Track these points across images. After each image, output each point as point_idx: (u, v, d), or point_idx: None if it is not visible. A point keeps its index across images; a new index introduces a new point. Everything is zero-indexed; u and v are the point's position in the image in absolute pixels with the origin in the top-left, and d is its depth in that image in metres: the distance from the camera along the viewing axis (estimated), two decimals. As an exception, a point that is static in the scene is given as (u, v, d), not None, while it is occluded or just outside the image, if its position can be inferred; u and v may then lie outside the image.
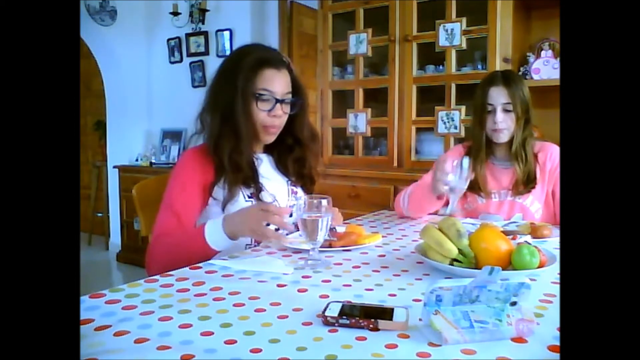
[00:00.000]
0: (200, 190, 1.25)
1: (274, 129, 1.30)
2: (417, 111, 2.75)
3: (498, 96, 1.54)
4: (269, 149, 1.39)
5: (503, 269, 0.82)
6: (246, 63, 1.26)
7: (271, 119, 1.27)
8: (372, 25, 2.86)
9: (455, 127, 2.60)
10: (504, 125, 1.55)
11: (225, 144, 1.23)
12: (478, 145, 1.60)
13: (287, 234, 1.34)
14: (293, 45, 3.54)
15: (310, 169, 1.40)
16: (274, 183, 1.34)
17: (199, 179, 1.25)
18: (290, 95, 1.31)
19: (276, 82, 1.27)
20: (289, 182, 1.39)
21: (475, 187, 1.58)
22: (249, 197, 1.27)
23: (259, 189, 1.28)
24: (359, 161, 2.95)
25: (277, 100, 1.27)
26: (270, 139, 1.32)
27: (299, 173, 1.40)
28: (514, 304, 0.68)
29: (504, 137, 1.56)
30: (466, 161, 1.31)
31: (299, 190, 1.41)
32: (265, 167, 1.36)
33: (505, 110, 1.54)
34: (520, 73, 2.52)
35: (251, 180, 1.27)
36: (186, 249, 1.14)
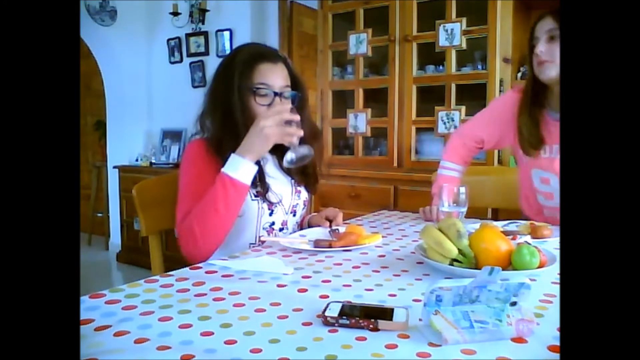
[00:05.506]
0: (214, 178, 1.20)
1: None
2: (417, 111, 2.76)
3: (543, 25, 1.35)
4: (272, 149, 1.38)
5: (503, 269, 0.82)
6: (240, 59, 1.25)
7: None
8: (372, 25, 2.87)
9: (455, 127, 2.59)
10: (547, 56, 1.34)
11: (227, 144, 1.21)
12: (525, 91, 1.45)
13: (289, 233, 1.34)
14: (293, 45, 3.54)
15: (314, 167, 1.38)
16: (279, 183, 1.33)
17: (210, 167, 1.22)
18: (289, 89, 1.29)
19: (273, 76, 1.26)
20: (293, 181, 1.38)
21: (522, 142, 1.45)
22: (255, 196, 1.26)
23: (265, 188, 1.27)
24: (359, 161, 2.95)
25: (276, 94, 1.25)
26: None
27: (303, 172, 1.37)
28: (514, 304, 0.68)
29: (548, 72, 1.35)
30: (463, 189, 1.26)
31: (303, 190, 1.40)
32: (270, 166, 1.34)
33: (551, 38, 1.33)
34: (520, 73, 2.52)
35: (257, 179, 1.24)
36: (216, 204, 1.12)
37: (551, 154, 1.43)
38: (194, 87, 3.92)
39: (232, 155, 1.15)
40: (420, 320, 0.69)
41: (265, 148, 1.16)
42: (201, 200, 1.15)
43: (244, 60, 1.25)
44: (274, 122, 1.13)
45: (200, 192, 1.17)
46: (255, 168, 1.16)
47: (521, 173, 1.58)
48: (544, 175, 1.47)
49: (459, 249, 0.93)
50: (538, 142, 1.42)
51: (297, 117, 1.16)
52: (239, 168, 1.14)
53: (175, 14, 3.84)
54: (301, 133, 1.16)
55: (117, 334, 0.66)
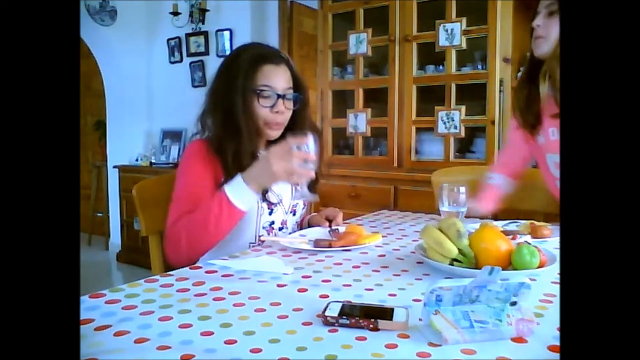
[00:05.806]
0: (212, 180, 1.21)
1: (277, 126, 1.27)
2: (417, 111, 2.76)
3: (544, 1, 1.33)
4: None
5: (503, 269, 0.82)
6: (243, 61, 1.25)
7: (274, 115, 1.25)
8: (372, 25, 2.87)
9: (455, 127, 2.60)
10: (542, 31, 1.32)
11: (228, 145, 1.21)
12: (525, 68, 1.41)
13: (289, 233, 1.34)
14: (293, 45, 3.54)
15: (314, 168, 1.38)
16: (279, 183, 1.33)
17: (209, 169, 1.22)
18: (291, 91, 1.29)
19: (276, 78, 1.25)
20: None
21: (517, 118, 1.42)
22: None
23: (265, 188, 1.26)
24: (359, 161, 2.95)
25: (279, 96, 1.25)
26: (274, 134, 1.29)
27: None
28: (514, 304, 0.69)
29: (541, 47, 1.35)
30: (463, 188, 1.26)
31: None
32: None
33: (550, 14, 1.30)
34: (519, 73, 2.52)
35: None
36: (207, 221, 1.10)
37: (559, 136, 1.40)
38: (194, 87, 3.92)
39: (238, 177, 1.12)
40: (420, 320, 0.69)
41: (270, 184, 1.17)
42: (194, 212, 1.13)
43: (247, 61, 1.25)
44: (284, 162, 1.08)
45: (197, 195, 1.17)
46: (257, 197, 1.16)
47: (538, 161, 1.54)
48: (557, 160, 1.42)
49: (459, 249, 0.93)
50: (531, 118, 1.39)
51: (313, 158, 1.11)
52: (241, 195, 1.12)
53: (175, 13, 3.84)
54: (312, 175, 1.13)
55: (117, 334, 0.66)
